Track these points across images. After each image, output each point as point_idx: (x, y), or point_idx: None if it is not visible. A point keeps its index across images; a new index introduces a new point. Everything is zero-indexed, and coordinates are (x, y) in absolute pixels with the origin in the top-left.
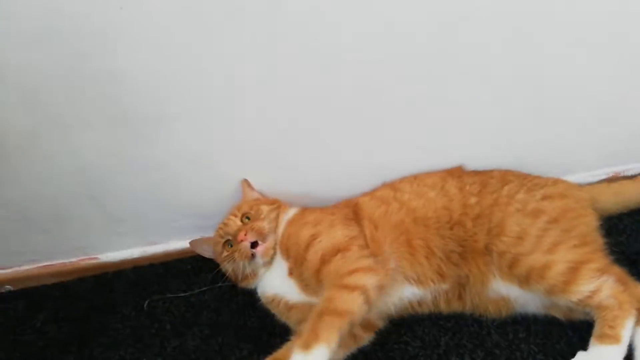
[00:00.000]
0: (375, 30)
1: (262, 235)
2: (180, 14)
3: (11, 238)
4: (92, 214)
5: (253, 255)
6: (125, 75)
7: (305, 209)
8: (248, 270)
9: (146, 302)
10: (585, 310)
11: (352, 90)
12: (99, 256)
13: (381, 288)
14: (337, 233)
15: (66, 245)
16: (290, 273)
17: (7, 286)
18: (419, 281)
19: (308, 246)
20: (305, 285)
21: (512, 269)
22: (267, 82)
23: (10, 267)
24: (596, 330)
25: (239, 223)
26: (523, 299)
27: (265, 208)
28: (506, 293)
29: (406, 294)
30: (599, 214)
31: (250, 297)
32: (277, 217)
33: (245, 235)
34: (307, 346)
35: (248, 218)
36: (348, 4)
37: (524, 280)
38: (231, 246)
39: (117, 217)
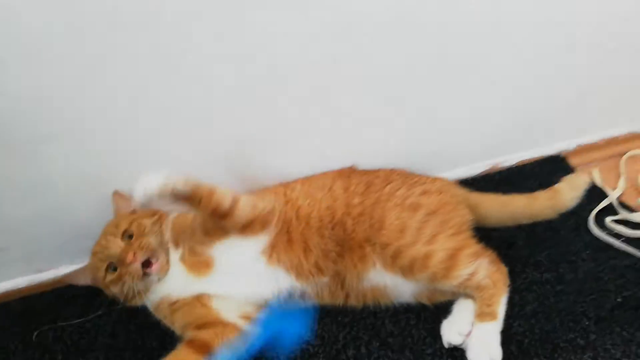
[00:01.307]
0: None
1: (152, 251)
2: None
3: None
4: None
5: (146, 274)
6: None
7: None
8: (140, 288)
9: (35, 333)
10: (466, 292)
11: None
12: None
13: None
14: None
15: None
16: (182, 258)
17: None
18: (296, 271)
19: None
20: (193, 260)
21: (395, 260)
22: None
23: None
24: (476, 310)
25: (121, 243)
26: (398, 288)
27: (147, 222)
28: (382, 283)
29: (284, 283)
30: (483, 222)
31: (149, 316)
32: (161, 227)
33: (134, 256)
34: None
35: (130, 237)
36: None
37: (408, 270)
38: (115, 269)
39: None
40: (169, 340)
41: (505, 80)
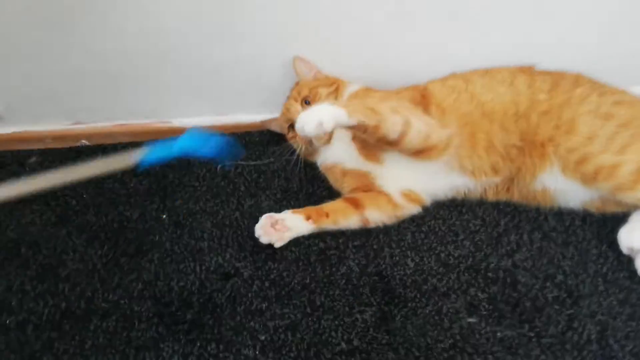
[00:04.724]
0: None
1: None
2: None
3: (88, 94)
4: (169, 78)
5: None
6: None
7: (369, 87)
8: (310, 150)
9: (219, 166)
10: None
11: None
12: (171, 120)
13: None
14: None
15: (141, 106)
16: (354, 137)
17: (83, 140)
18: (472, 173)
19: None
20: (363, 148)
21: (578, 166)
22: None
23: (86, 123)
24: None
25: (299, 108)
26: (570, 193)
27: (323, 91)
28: (554, 186)
29: (457, 182)
30: None
31: (317, 170)
32: (336, 98)
33: None
34: None
35: (308, 102)
36: None
37: (591, 178)
38: (294, 129)
39: (193, 84)
40: (337, 194)
41: None
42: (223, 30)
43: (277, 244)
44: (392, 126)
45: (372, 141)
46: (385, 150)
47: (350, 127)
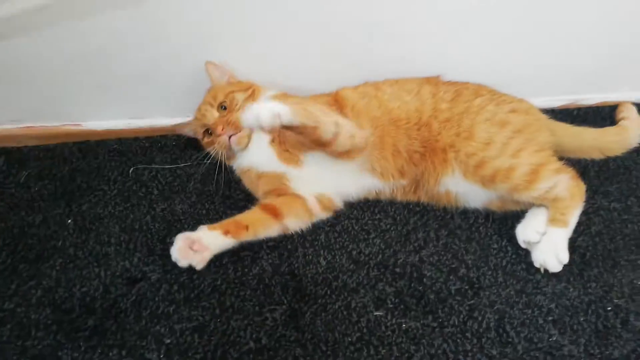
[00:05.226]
0: None
1: (239, 128)
2: None
3: None
4: (81, 79)
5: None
6: None
7: (285, 93)
8: (228, 154)
9: (131, 169)
10: (541, 204)
11: None
12: (82, 123)
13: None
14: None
15: (50, 108)
16: (272, 141)
17: None
18: (381, 174)
19: None
20: (283, 151)
21: (477, 170)
22: None
23: None
24: (550, 215)
25: (216, 114)
26: (471, 195)
27: (240, 96)
28: (456, 189)
29: (367, 183)
30: (556, 149)
31: (233, 174)
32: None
33: (223, 129)
34: None
35: (224, 108)
36: None
37: (489, 180)
38: (210, 135)
39: (105, 85)
40: (253, 198)
41: (606, 17)
42: (137, 32)
43: (199, 267)
44: (327, 127)
45: (305, 142)
46: (309, 152)
47: (289, 127)
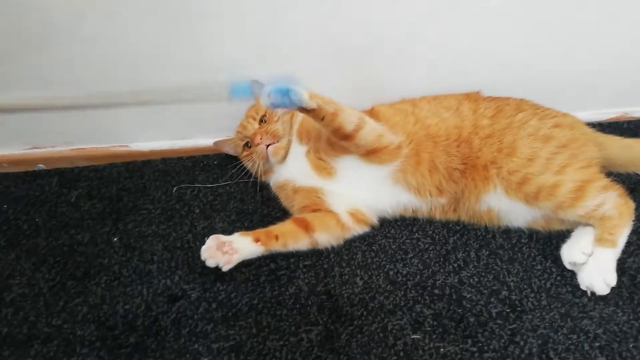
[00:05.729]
0: None
1: (276, 138)
2: None
3: (46, 118)
4: (127, 102)
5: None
6: None
7: None
8: (266, 167)
9: (175, 188)
10: (588, 223)
11: None
12: (129, 145)
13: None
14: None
15: (99, 130)
16: (307, 154)
17: (40, 165)
18: (417, 191)
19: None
20: (318, 162)
21: (521, 186)
22: None
23: (44, 147)
24: (597, 235)
25: (256, 126)
26: (514, 213)
27: (279, 111)
28: (498, 207)
29: (402, 199)
30: (607, 164)
31: (271, 191)
32: (291, 118)
33: (261, 139)
34: None
35: (264, 121)
36: None
37: (533, 197)
38: (250, 147)
39: (151, 108)
40: (289, 216)
41: None
42: (178, 56)
43: (225, 268)
44: (348, 117)
45: (328, 131)
46: (339, 156)
47: (309, 111)
